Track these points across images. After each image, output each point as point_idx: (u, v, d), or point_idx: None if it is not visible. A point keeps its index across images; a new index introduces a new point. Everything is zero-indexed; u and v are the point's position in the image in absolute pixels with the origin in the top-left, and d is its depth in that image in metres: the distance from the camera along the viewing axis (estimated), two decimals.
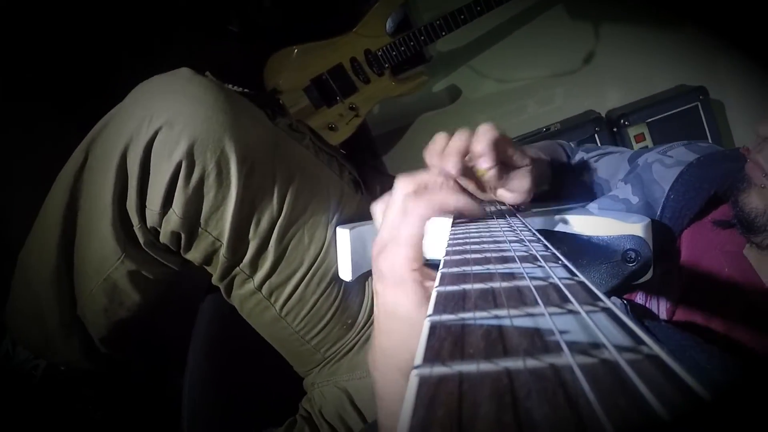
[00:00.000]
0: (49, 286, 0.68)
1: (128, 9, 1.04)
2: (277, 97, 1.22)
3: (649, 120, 1.33)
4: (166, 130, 0.55)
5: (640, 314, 0.53)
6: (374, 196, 0.81)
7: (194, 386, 0.73)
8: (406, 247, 0.31)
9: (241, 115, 0.60)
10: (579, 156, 0.73)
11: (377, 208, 0.46)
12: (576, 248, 0.55)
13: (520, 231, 0.34)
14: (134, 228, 0.61)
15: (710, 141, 1.28)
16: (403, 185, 0.37)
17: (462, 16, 1.24)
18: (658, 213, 0.57)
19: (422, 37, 1.27)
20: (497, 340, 0.14)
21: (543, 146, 0.72)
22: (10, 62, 0.99)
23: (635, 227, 0.52)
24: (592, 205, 0.62)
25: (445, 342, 0.15)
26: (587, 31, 1.44)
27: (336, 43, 1.27)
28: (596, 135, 1.35)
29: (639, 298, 0.56)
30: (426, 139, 0.47)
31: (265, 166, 0.61)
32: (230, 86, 0.64)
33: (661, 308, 0.54)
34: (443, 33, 1.27)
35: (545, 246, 0.27)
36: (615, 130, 1.36)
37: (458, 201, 0.35)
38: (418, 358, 0.14)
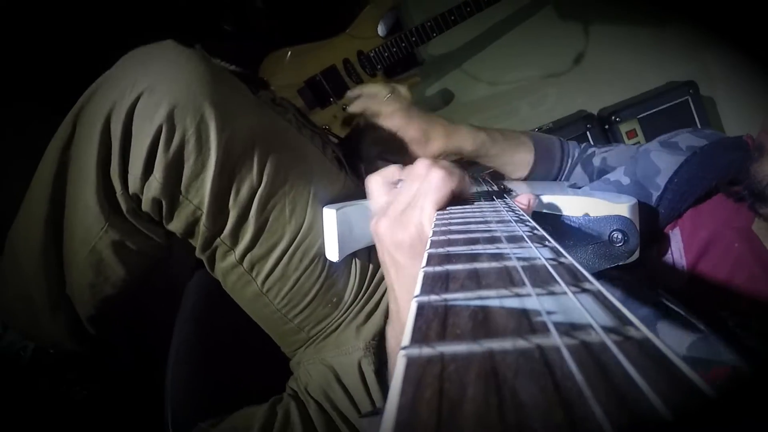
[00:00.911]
0: (37, 261, 0.68)
1: (121, 7, 1.08)
2: (262, 77, 1.24)
3: (640, 116, 1.34)
4: (147, 94, 0.57)
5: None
6: (358, 175, 0.82)
7: (179, 365, 0.73)
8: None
9: (222, 84, 0.61)
10: (589, 150, 0.76)
11: (373, 182, 0.49)
12: (563, 229, 0.55)
13: (508, 212, 0.34)
14: (117, 195, 0.62)
15: None
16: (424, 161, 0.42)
17: (452, 17, 1.28)
18: (658, 194, 0.57)
19: (413, 38, 1.30)
20: (484, 321, 0.14)
21: (539, 137, 0.76)
22: (7, 61, 1.02)
23: (621, 207, 0.52)
24: (585, 188, 0.62)
25: (432, 323, 0.15)
26: (577, 32, 1.47)
27: (329, 44, 1.30)
28: (588, 132, 1.36)
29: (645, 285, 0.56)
30: None
31: (245, 135, 0.62)
32: (217, 61, 0.66)
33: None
34: (434, 34, 1.30)
35: (533, 227, 0.27)
36: (607, 126, 1.37)
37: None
38: (406, 339, 0.14)
